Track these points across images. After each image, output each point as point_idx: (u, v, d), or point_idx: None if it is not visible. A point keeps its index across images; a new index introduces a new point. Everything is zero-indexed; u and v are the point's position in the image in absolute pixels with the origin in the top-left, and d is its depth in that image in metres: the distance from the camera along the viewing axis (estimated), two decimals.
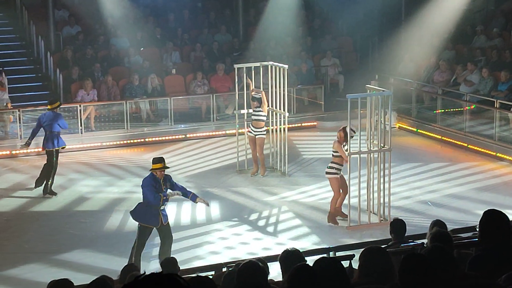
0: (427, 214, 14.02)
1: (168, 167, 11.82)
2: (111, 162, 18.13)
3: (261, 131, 16.32)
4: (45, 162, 15.63)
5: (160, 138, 19.80)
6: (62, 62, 21.61)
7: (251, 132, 16.43)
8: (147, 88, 21.05)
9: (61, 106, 19.74)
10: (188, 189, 12.02)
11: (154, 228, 11.61)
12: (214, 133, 20.50)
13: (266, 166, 16.98)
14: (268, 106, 16.63)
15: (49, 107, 15.85)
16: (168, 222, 11.74)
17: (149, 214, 11.51)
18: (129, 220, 13.59)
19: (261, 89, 16.67)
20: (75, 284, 7.37)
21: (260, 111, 16.24)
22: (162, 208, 11.51)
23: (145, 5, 24.18)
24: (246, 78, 16.77)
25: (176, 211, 14.52)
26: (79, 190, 16.05)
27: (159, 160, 11.54)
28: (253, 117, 16.42)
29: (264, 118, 16.35)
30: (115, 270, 11.11)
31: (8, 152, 18.56)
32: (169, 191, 11.57)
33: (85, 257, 12.47)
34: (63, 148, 15.82)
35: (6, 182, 16.62)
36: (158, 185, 11.44)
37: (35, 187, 15.59)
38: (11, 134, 19.18)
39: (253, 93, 16.49)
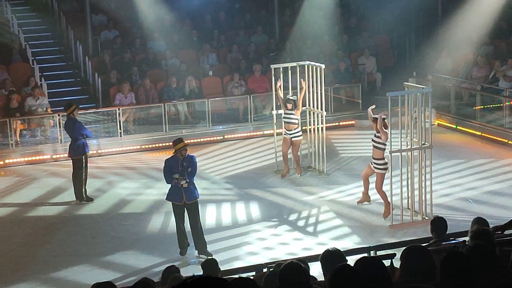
0: (469, 212, 13.91)
1: (188, 144, 12.50)
2: (150, 164, 18.24)
3: (296, 133, 16.29)
4: (72, 171, 15.53)
5: (198, 140, 19.90)
6: (100, 66, 21.83)
7: (286, 134, 16.44)
8: (185, 90, 21.16)
9: (98, 110, 20.08)
10: (191, 177, 12.24)
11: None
12: (252, 133, 20.54)
13: (304, 166, 17.00)
14: (303, 107, 16.63)
15: (66, 113, 15.81)
16: (194, 202, 12.30)
17: (173, 192, 12.30)
18: (170, 222, 13.70)
19: (298, 90, 16.66)
20: (117, 287, 7.44)
21: (292, 113, 16.20)
22: (185, 186, 12.11)
23: (181, 8, 24.28)
24: (278, 80, 16.71)
25: (216, 212, 14.60)
26: (119, 192, 16.20)
27: (179, 141, 12.26)
28: (285, 120, 16.38)
29: (296, 121, 16.30)
30: (157, 272, 11.23)
31: (49, 156, 18.79)
32: (175, 176, 12.14)
33: (127, 259, 12.57)
34: (86, 154, 15.55)
35: (47, 186, 16.82)
36: (175, 165, 12.15)
37: (80, 201, 15.46)
38: (51, 138, 19.42)
39: (289, 96, 16.48)
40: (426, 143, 13.66)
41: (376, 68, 23.56)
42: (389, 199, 13.61)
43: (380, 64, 23.85)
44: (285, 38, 23.99)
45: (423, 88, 14.09)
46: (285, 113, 16.34)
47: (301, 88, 16.53)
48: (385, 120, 13.60)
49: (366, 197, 14.44)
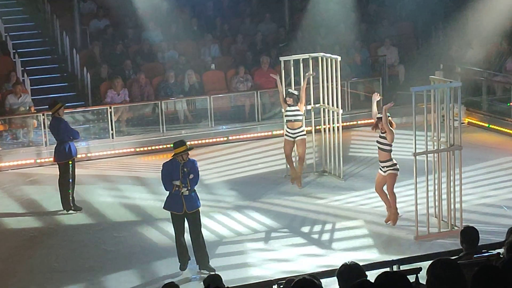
0: (503, 220, 13.86)
1: (192, 148, 12.45)
2: (146, 169, 18.27)
3: (300, 132, 16.18)
4: (58, 177, 15.45)
5: (200, 141, 19.87)
6: (90, 59, 21.86)
7: (288, 136, 16.32)
8: (184, 86, 21.17)
9: (87, 108, 20.05)
10: (193, 184, 12.14)
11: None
12: (259, 134, 20.53)
13: (319, 170, 16.98)
14: (316, 104, 16.61)
15: (50, 112, 15.80)
16: (196, 211, 12.19)
17: (172, 200, 12.17)
18: (168, 233, 13.69)
19: (311, 85, 16.64)
20: None
21: (296, 109, 16.09)
22: (186, 194, 12.00)
23: None
24: (276, 74, 16.75)
25: (219, 222, 14.59)
26: (111, 200, 16.20)
27: (181, 143, 12.11)
28: (288, 118, 16.22)
29: (301, 118, 16.20)
30: None
31: (32, 161, 18.79)
32: (176, 183, 11.99)
33: (120, 275, 12.56)
34: (74, 158, 15.45)
35: (31, 194, 16.83)
36: (175, 171, 12.02)
37: (67, 210, 15.41)
38: (35, 140, 19.42)
39: (289, 89, 16.41)
40: (455, 144, 13.61)
41: (399, 60, 23.54)
42: (398, 205, 13.63)
43: (403, 55, 23.82)
44: (296, 26, 24.00)
45: (451, 82, 14.07)
46: (287, 110, 16.23)
47: (305, 80, 16.43)
48: (390, 118, 13.55)
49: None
